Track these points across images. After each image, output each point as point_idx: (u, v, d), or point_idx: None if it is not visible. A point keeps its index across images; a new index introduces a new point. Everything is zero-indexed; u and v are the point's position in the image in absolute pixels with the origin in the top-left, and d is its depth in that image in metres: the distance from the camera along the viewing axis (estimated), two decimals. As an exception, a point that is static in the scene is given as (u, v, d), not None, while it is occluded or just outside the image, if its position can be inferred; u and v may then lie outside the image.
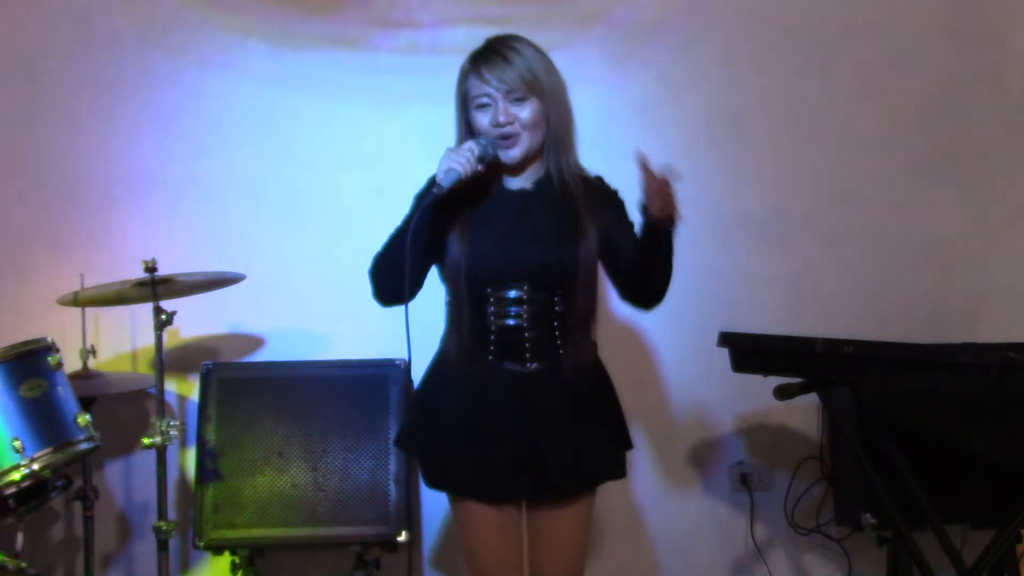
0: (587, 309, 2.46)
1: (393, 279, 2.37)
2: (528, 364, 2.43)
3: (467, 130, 2.47)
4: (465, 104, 2.47)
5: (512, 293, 2.41)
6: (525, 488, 2.45)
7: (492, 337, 2.42)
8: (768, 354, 2.78)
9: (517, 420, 2.41)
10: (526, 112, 2.41)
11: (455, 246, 2.41)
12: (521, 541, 2.51)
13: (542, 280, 2.42)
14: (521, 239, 2.42)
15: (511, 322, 2.41)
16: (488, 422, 2.41)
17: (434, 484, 2.52)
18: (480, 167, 2.38)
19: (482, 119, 2.42)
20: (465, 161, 2.34)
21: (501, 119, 2.40)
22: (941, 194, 3.62)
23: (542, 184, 2.49)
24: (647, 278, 2.47)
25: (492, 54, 2.42)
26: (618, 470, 2.56)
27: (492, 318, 2.41)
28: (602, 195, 2.54)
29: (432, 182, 2.37)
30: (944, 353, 2.74)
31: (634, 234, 2.49)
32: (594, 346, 2.52)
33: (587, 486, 2.52)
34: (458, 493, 2.47)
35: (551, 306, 2.43)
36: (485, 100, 2.42)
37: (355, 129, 3.51)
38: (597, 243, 2.45)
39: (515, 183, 2.50)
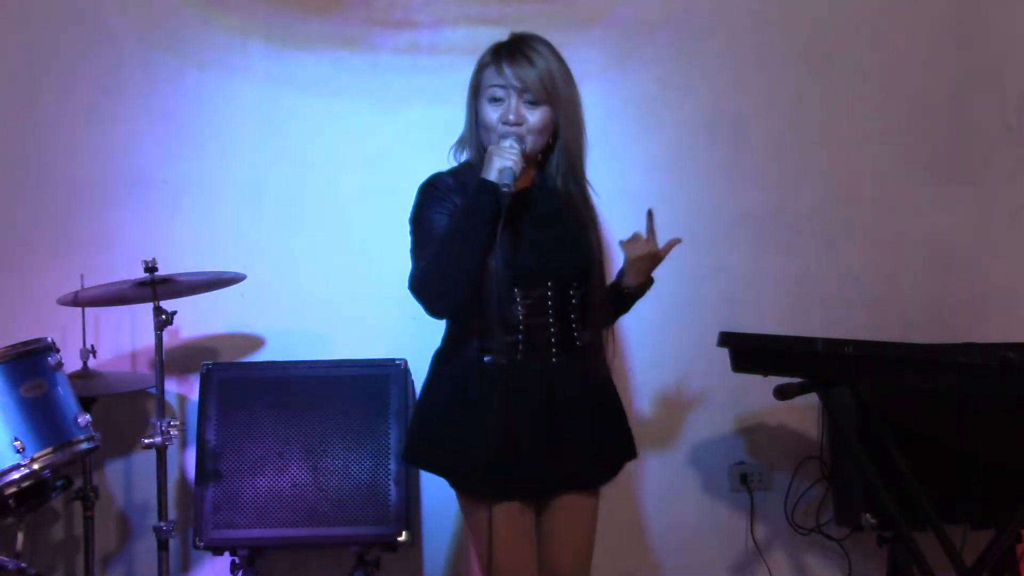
0: (602, 301, 2.51)
1: (453, 287, 2.37)
2: (552, 359, 2.45)
3: (475, 120, 2.47)
4: (477, 94, 2.47)
5: (538, 291, 2.44)
6: (555, 481, 2.46)
7: (520, 336, 2.43)
8: (768, 354, 2.78)
9: (545, 416, 2.43)
10: (535, 117, 2.42)
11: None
12: (534, 539, 2.50)
13: (564, 277, 2.46)
14: (542, 239, 2.45)
15: (538, 319, 2.44)
16: (519, 421, 2.40)
17: (467, 491, 2.48)
18: (524, 163, 2.38)
19: (491, 113, 2.42)
20: (516, 157, 2.34)
21: (511, 117, 2.40)
22: (941, 194, 3.62)
23: (542, 186, 2.51)
24: (614, 317, 2.65)
25: (516, 51, 2.42)
26: (632, 449, 2.62)
27: (521, 317, 2.43)
28: (592, 205, 2.61)
29: (488, 186, 2.32)
30: (944, 353, 2.74)
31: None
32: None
33: (606, 475, 2.56)
34: (491, 496, 2.42)
35: (569, 300, 2.47)
36: (499, 94, 2.42)
37: (355, 129, 3.51)
38: (600, 241, 2.53)
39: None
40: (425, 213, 2.46)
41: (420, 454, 2.59)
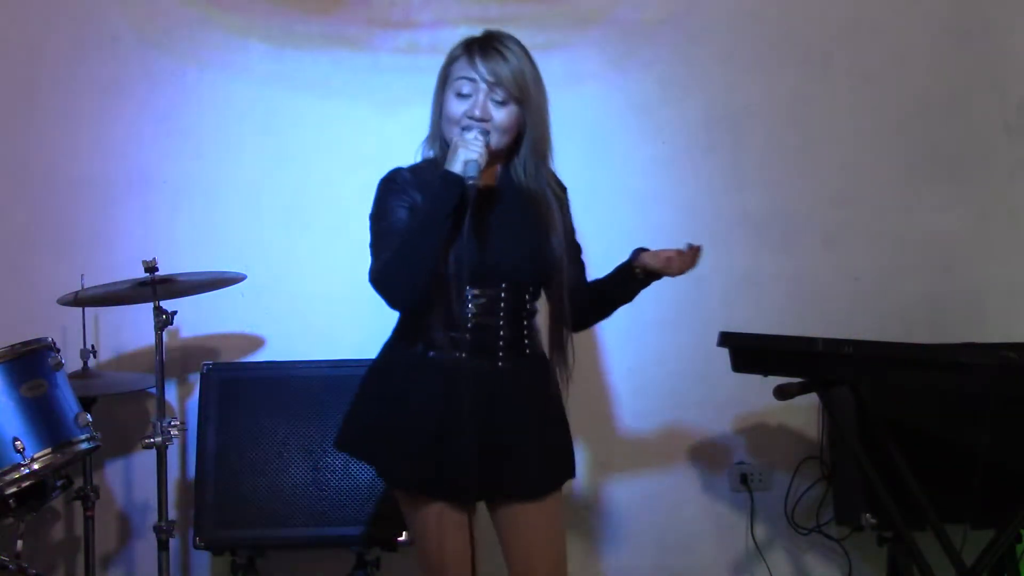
0: (560, 306, 2.45)
1: (415, 280, 2.32)
2: (499, 363, 2.41)
3: (440, 114, 2.42)
4: (444, 87, 2.42)
5: (491, 291, 2.38)
6: (492, 487, 2.40)
7: (468, 336, 2.37)
8: (768, 354, 2.78)
9: (486, 418, 2.36)
10: (502, 115, 2.37)
11: None
12: (467, 537, 2.40)
13: (520, 279, 2.41)
14: (501, 238, 2.40)
15: (488, 320, 2.39)
16: (457, 420, 2.34)
17: (396, 483, 2.46)
18: (488, 157, 2.34)
19: (457, 106, 2.37)
20: (481, 149, 2.30)
21: (477, 113, 2.35)
22: (941, 194, 3.62)
23: (506, 184, 2.45)
24: (607, 314, 2.58)
25: (489, 47, 2.38)
26: (572, 469, 2.54)
27: (471, 316, 2.37)
28: (563, 194, 2.54)
29: (452, 178, 2.27)
30: (944, 353, 2.74)
31: (580, 255, 2.56)
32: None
33: (554, 485, 2.49)
34: (423, 492, 2.39)
35: (523, 305, 2.43)
36: (467, 89, 2.37)
37: (355, 129, 3.51)
38: (564, 242, 2.46)
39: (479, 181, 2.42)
40: (383, 207, 2.42)
41: (353, 442, 2.52)
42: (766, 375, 2.81)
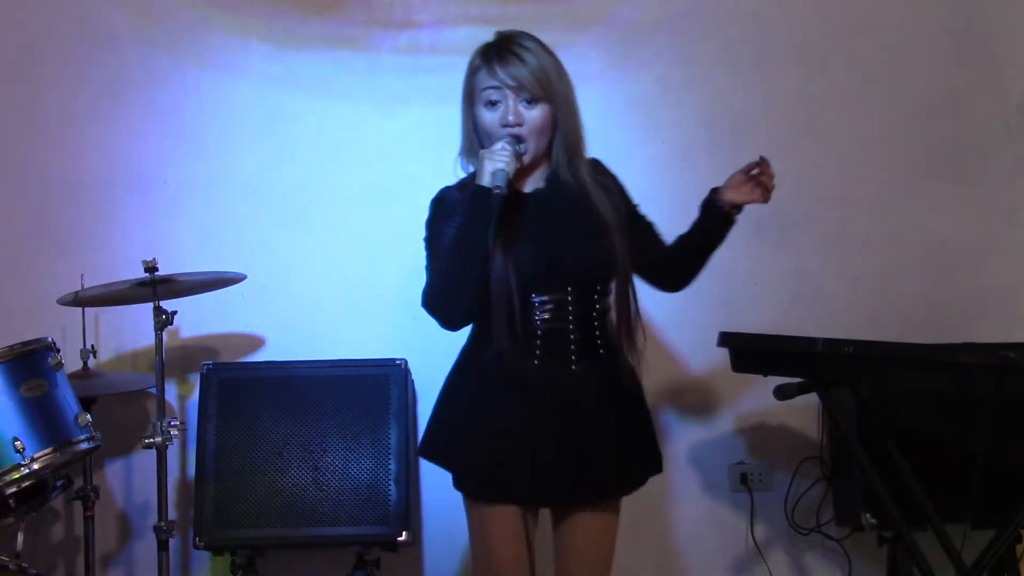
0: (626, 304, 2.46)
1: (460, 300, 2.33)
2: (572, 366, 2.40)
3: (473, 128, 2.43)
4: (472, 100, 2.42)
5: (557, 296, 2.38)
6: (567, 492, 2.41)
7: (539, 341, 2.38)
8: (768, 354, 2.77)
9: (563, 423, 2.37)
10: (534, 115, 2.38)
11: (496, 254, 2.34)
12: (533, 549, 2.45)
13: (585, 280, 2.41)
14: (556, 241, 2.39)
15: (558, 324, 2.38)
16: (535, 427, 2.36)
17: (471, 490, 2.43)
18: (517, 164, 2.35)
19: (490, 117, 2.38)
20: (508, 159, 2.29)
21: (511, 119, 2.36)
22: (941, 194, 3.62)
23: (554, 184, 2.45)
24: (701, 263, 2.62)
25: (505, 51, 2.38)
26: (657, 463, 2.55)
27: (539, 322, 2.37)
28: (611, 182, 2.54)
29: (482, 192, 2.28)
30: (944, 353, 2.73)
31: (650, 223, 2.60)
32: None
33: (631, 487, 2.51)
34: (499, 499, 2.38)
35: (592, 305, 2.42)
36: (495, 97, 2.37)
37: (355, 129, 3.51)
38: (624, 236, 2.46)
39: (527, 185, 2.46)
40: (433, 229, 2.42)
41: (436, 450, 2.51)
42: (766, 375, 2.80)
